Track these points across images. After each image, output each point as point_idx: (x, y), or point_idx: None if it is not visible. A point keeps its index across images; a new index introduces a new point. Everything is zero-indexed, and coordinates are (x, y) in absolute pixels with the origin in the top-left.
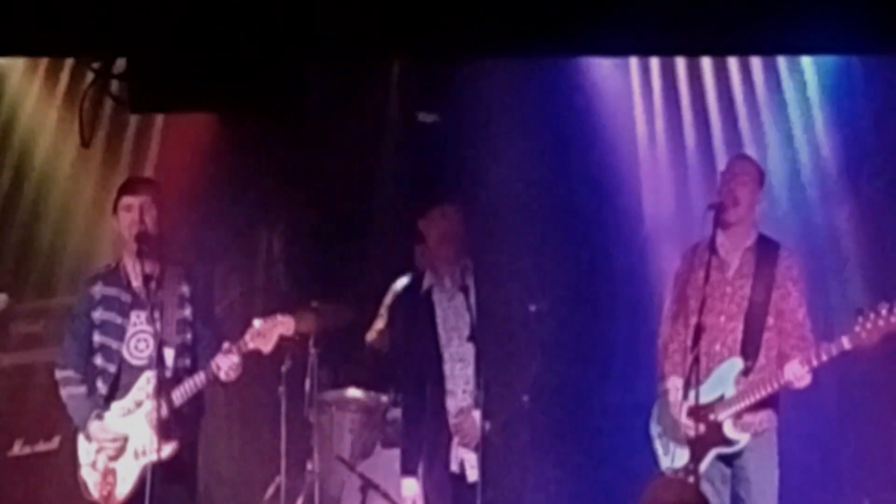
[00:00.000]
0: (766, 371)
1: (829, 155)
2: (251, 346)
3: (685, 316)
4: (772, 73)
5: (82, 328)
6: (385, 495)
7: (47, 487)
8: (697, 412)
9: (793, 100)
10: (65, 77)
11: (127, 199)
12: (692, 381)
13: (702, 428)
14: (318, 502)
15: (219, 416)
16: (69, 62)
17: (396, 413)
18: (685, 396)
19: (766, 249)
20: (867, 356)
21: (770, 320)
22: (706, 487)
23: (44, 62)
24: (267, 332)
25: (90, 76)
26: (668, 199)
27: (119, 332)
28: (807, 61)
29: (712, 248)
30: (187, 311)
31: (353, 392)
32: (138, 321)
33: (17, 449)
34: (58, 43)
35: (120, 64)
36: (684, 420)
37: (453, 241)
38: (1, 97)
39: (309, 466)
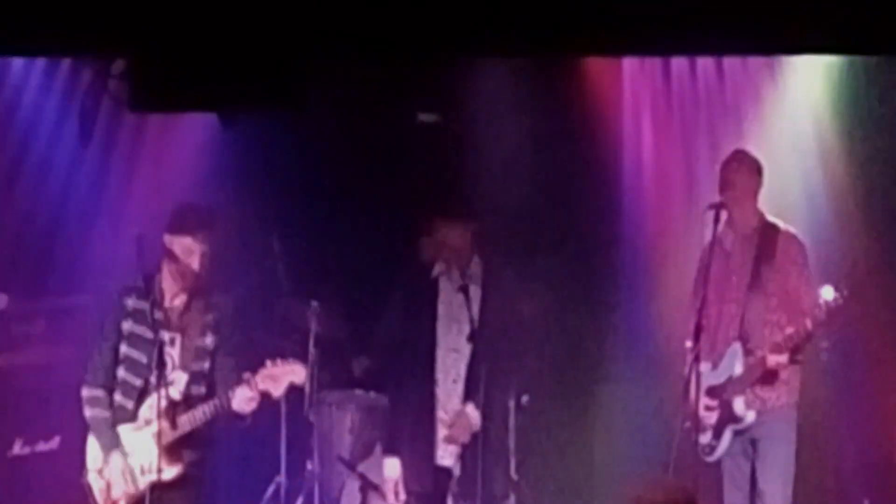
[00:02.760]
0: (765, 352)
1: (831, 154)
2: (261, 387)
3: (703, 309)
4: (771, 72)
5: (111, 339)
6: (385, 495)
7: (47, 487)
8: (698, 398)
9: (794, 98)
10: (65, 76)
11: (187, 241)
12: (691, 379)
13: (717, 408)
14: (318, 502)
15: (215, 436)
16: (69, 62)
17: None
18: (686, 393)
19: (766, 233)
20: (869, 358)
21: (773, 300)
22: (728, 462)
23: (44, 61)
24: (279, 377)
25: (91, 76)
26: (671, 198)
27: (148, 347)
28: (807, 60)
29: (712, 247)
30: (208, 340)
31: (353, 392)
32: (164, 340)
33: (17, 449)
34: (57, 43)
35: (120, 64)
36: (701, 402)
37: (471, 251)
38: (1, 96)
39: (309, 466)
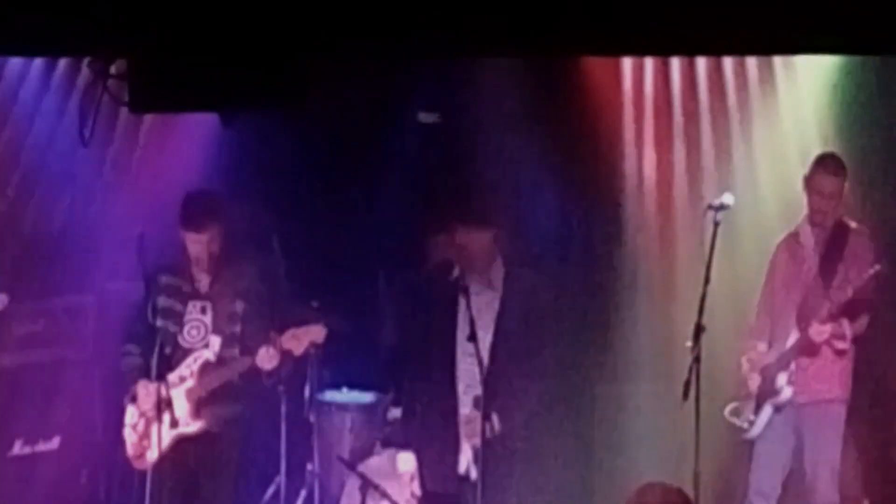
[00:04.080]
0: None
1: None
2: (285, 346)
3: (770, 295)
4: (771, 72)
5: (148, 312)
6: (385, 495)
7: (47, 487)
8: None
9: (794, 98)
10: (65, 76)
11: (192, 236)
12: (691, 379)
13: (761, 384)
14: (318, 502)
15: (238, 402)
16: (69, 62)
17: (396, 413)
18: (685, 395)
19: (840, 230)
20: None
21: (835, 287)
22: (769, 446)
23: (44, 61)
24: (301, 336)
25: (90, 76)
26: (672, 198)
27: (178, 318)
28: (807, 60)
29: (712, 249)
30: (238, 306)
31: (353, 392)
32: (194, 310)
33: (17, 449)
34: (58, 43)
35: (120, 64)
36: (748, 378)
37: (492, 256)
38: (1, 96)
39: (309, 466)
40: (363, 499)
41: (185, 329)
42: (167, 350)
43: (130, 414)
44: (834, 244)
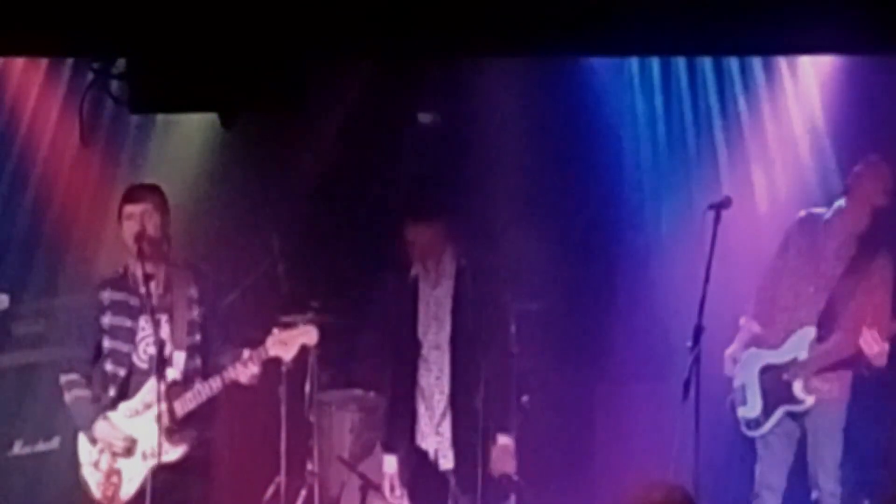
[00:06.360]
0: (841, 342)
1: (829, 154)
2: (272, 353)
3: (772, 278)
4: (771, 72)
5: (90, 333)
6: (385, 495)
7: (47, 487)
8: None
9: (793, 98)
10: (65, 76)
11: (129, 208)
12: (691, 379)
13: (774, 386)
14: (318, 502)
15: (219, 416)
16: (69, 62)
17: None
18: (685, 395)
19: (870, 242)
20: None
21: (855, 302)
22: (775, 441)
23: (44, 61)
24: (289, 341)
25: (90, 76)
26: (671, 197)
27: (129, 336)
28: (807, 60)
29: (712, 249)
30: (195, 313)
31: (353, 392)
32: (147, 325)
33: (17, 449)
34: (58, 43)
35: (120, 64)
36: (756, 377)
37: (442, 248)
38: (2, 96)
39: (309, 466)
40: (363, 499)
41: (140, 348)
42: (122, 373)
43: (87, 452)
44: (862, 254)
